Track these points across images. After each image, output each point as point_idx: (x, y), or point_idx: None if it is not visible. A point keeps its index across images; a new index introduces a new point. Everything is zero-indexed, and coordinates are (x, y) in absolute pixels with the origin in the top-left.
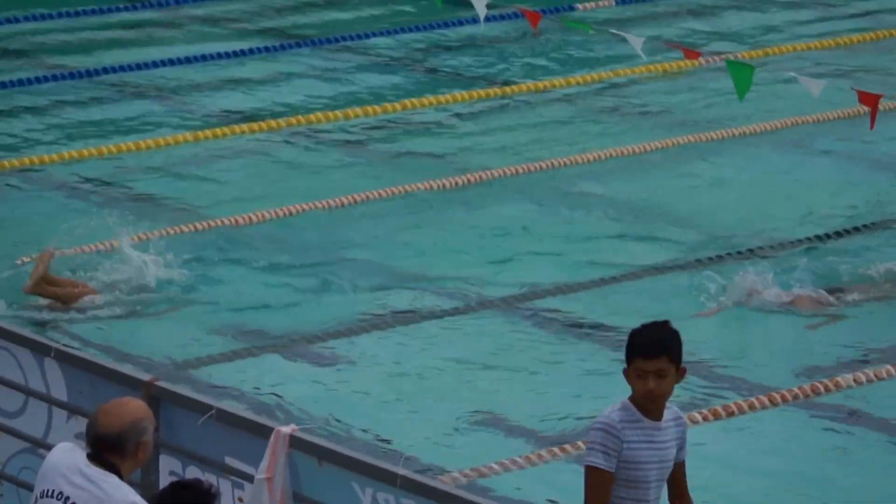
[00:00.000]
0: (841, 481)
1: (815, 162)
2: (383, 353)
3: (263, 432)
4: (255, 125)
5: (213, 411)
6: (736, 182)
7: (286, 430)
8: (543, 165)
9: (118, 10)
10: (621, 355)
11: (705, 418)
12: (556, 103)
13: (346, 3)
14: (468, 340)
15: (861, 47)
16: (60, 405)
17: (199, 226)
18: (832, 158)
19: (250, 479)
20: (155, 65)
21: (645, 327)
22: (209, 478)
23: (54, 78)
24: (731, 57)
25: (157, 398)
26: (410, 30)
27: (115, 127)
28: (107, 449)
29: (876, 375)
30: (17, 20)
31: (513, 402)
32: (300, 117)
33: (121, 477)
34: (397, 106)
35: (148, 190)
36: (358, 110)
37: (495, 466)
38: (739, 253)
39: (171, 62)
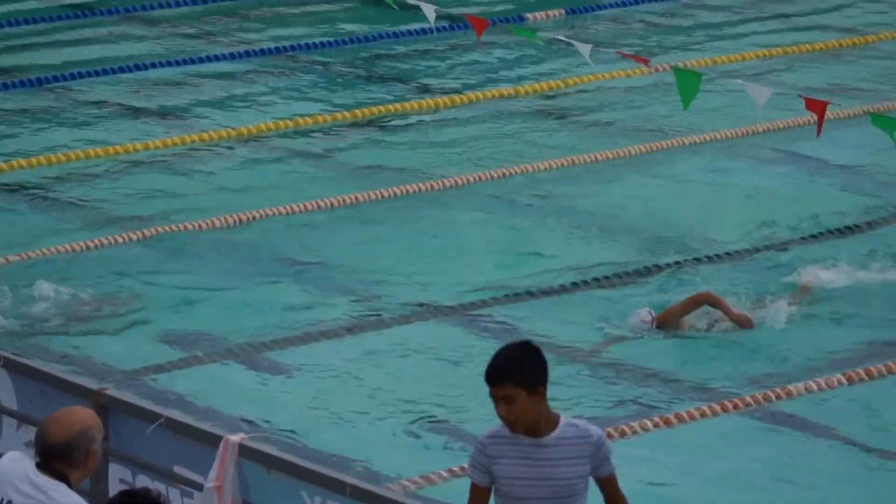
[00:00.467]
0: (788, 489)
1: (763, 170)
2: (333, 361)
3: (212, 441)
4: (204, 134)
5: (162, 420)
6: (684, 190)
7: (235, 438)
8: (493, 174)
9: (61, 18)
10: (572, 364)
11: (655, 425)
12: (506, 112)
13: (294, 13)
14: (418, 348)
15: (810, 56)
16: (10, 414)
17: (147, 233)
18: (781, 166)
19: (200, 487)
20: (105, 73)
21: (497, 352)
22: (158, 486)
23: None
24: (680, 65)
25: (106, 407)
26: (360, 39)
27: (62, 135)
28: (56, 458)
29: (827, 384)
30: None
31: (462, 410)
32: (250, 126)
33: (70, 486)
34: (347, 115)
35: (94, 198)
36: (308, 119)
37: (444, 474)
38: (688, 261)
39: (119, 70)
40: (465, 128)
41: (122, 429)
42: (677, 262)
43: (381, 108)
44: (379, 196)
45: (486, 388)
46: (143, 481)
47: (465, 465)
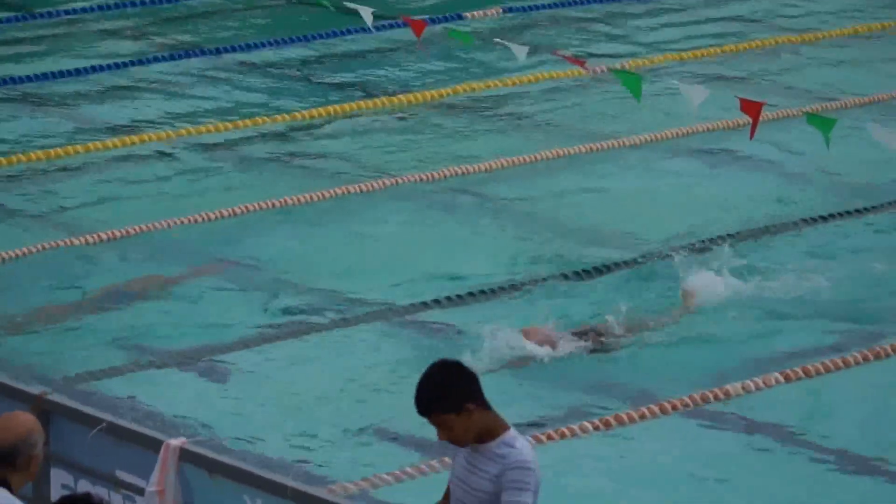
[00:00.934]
0: (729, 489)
1: (699, 171)
2: (273, 365)
3: (154, 445)
4: (144, 136)
5: (104, 424)
6: (618, 192)
7: (176, 442)
8: (430, 176)
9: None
10: (507, 367)
11: (596, 428)
12: (442, 113)
13: (232, 14)
14: (356, 352)
15: (747, 55)
16: None
17: (90, 238)
18: (718, 167)
19: (141, 492)
20: (44, 77)
21: (419, 381)
22: (100, 491)
23: None
24: (618, 66)
25: (47, 412)
26: (297, 40)
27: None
28: None
29: (765, 383)
30: None
31: (402, 413)
32: (187, 129)
33: (11, 490)
34: (286, 117)
35: (31, 203)
36: (248, 121)
37: (386, 477)
38: (626, 263)
39: (58, 74)
40: (400, 128)
41: (63, 433)
42: (625, 262)
43: (316, 110)
44: (312, 198)
45: None
46: (84, 486)
47: (408, 468)
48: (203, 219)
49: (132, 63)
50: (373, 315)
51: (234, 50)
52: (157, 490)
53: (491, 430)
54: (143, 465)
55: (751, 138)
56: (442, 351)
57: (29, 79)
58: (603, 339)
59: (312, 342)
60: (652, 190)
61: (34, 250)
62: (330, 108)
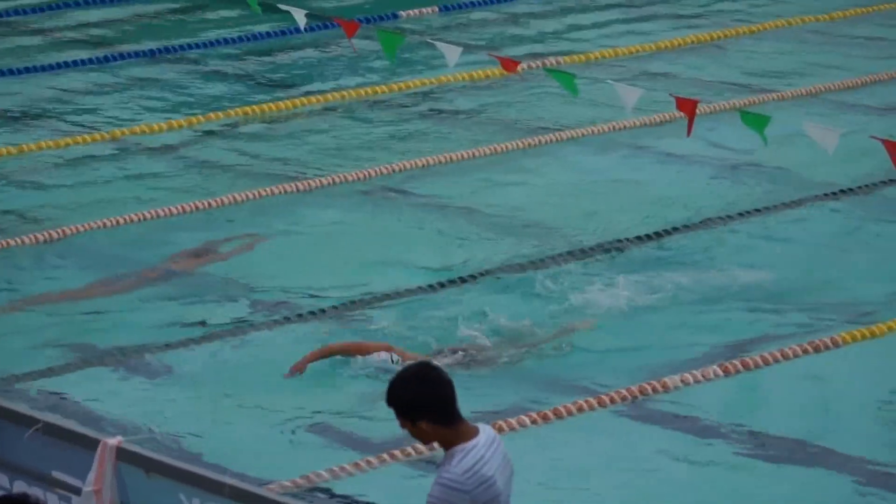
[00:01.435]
0: (668, 483)
1: (634, 167)
2: (211, 363)
3: (90, 445)
4: (79, 137)
5: (40, 424)
6: (551, 188)
7: (113, 442)
8: (368, 173)
9: None
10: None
11: (533, 422)
12: (378, 110)
13: (167, 13)
14: (297, 349)
15: (683, 51)
16: None
17: (28, 239)
18: (654, 164)
19: (78, 491)
20: None
21: (392, 378)
22: (36, 491)
23: None
24: (552, 62)
25: None
26: (232, 40)
27: None
28: None
29: (703, 376)
30: None
31: (343, 409)
32: (123, 129)
33: None
34: (220, 115)
35: None
36: (182, 121)
37: (324, 474)
38: (552, 258)
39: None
40: (335, 126)
41: None
42: (552, 258)
43: (251, 108)
44: (248, 197)
45: (359, 390)
46: (20, 486)
47: (345, 465)
48: (139, 219)
49: (66, 64)
50: (316, 312)
51: (168, 50)
52: (94, 489)
53: (450, 441)
54: (80, 465)
55: (688, 135)
56: None
57: None
58: (473, 353)
59: (248, 341)
60: (584, 185)
61: None
62: (262, 107)
